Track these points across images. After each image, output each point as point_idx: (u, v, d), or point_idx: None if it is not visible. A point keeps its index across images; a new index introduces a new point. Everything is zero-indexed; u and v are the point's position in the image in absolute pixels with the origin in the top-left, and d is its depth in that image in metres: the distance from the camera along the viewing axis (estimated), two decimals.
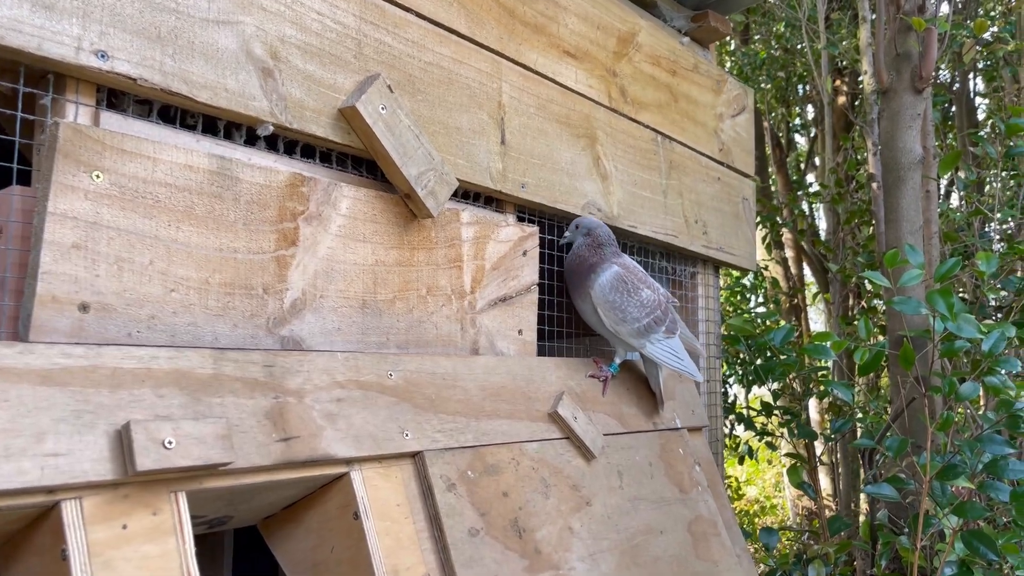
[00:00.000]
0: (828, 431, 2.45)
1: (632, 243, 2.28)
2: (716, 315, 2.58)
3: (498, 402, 1.64)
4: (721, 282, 7.17)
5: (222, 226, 1.25)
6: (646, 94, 2.25)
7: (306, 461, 1.26)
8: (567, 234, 1.88)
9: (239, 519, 1.41)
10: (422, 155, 1.52)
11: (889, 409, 2.91)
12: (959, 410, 2.51)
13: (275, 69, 1.34)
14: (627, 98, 2.18)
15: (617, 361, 1.95)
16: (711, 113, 2.54)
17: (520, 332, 1.80)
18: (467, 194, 1.77)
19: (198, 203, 1.22)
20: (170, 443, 1.06)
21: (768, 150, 7.32)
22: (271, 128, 1.34)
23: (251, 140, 1.36)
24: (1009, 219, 3.02)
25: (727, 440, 3.98)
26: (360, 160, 1.54)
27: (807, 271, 7.34)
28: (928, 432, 2.17)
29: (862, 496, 3.99)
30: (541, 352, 1.96)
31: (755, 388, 2.70)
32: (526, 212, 1.91)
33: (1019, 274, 2.56)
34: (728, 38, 7.11)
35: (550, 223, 2.01)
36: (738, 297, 6.98)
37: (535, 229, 1.85)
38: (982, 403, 2.78)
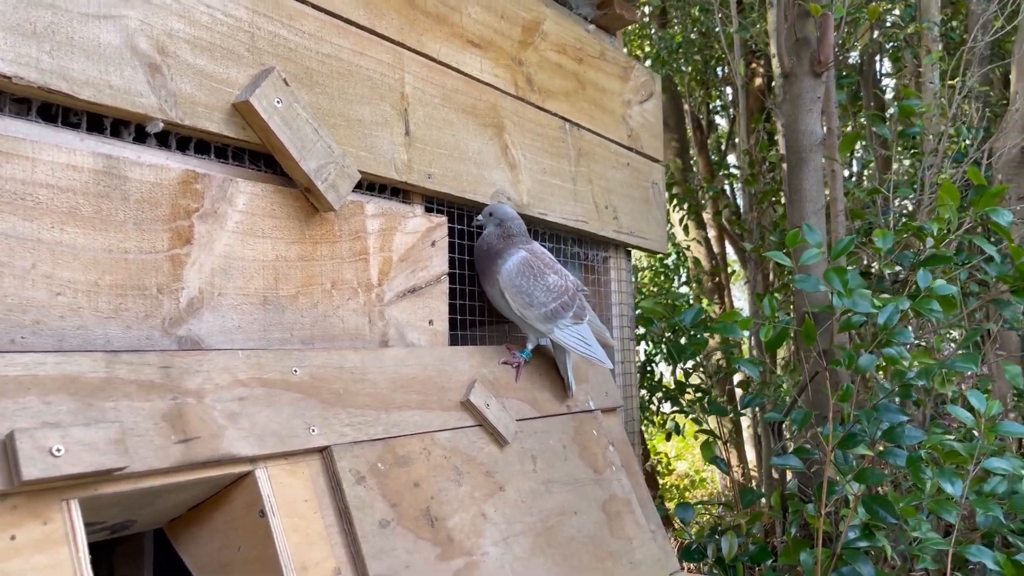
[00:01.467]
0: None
1: (543, 230, 2.31)
2: (629, 298, 2.63)
3: (409, 393, 1.65)
4: (646, 263, 7.32)
5: (111, 226, 1.22)
6: (553, 82, 2.27)
7: (207, 461, 1.24)
8: (479, 218, 1.89)
9: (142, 523, 1.39)
10: (321, 148, 1.51)
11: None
12: (869, 381, 2.62)
13: (163, 64, 1.31)
14: (534, 86, 2.20)
15: (529, 347, 1.98)
16: (619, 100, 2.58)
17: (431, 322, 1.81)
18: (372, 186, 1.76)
19: (83, 204, 1.19)
20: (58, 450, 1.04)
21: (689, 132, 7.45)
22: (161, 125, 1.31)
23: (141, 137, 1.33)
24: (908, 197, 3.15)
25: (655, 418, 4.08)
26: (258, 155, 1.52)
27: (730, 250, 7.53)
28: (830, 404, 2.26)
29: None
30: (455, 341, 1.98)
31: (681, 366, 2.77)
32: (434, 202, 1.91)
33: (915, 250, 2.68)
34: (648, 21, 7.20)
35: (460, 213, 2.02)
36: (661, 278, 7.12)
37: (443, 219, 1.86)
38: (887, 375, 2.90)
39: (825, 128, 2.90)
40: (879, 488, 2.49)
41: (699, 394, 2.58)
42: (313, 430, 1.42)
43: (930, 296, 2.33)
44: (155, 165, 1.29)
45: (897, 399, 2.29)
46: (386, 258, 1.70)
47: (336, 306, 1.58)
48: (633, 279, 2.92)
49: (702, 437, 2.52)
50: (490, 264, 1.89)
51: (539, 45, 2.23)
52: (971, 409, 2.21)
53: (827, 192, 3.06)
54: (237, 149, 1.49)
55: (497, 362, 1.92)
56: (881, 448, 2.33)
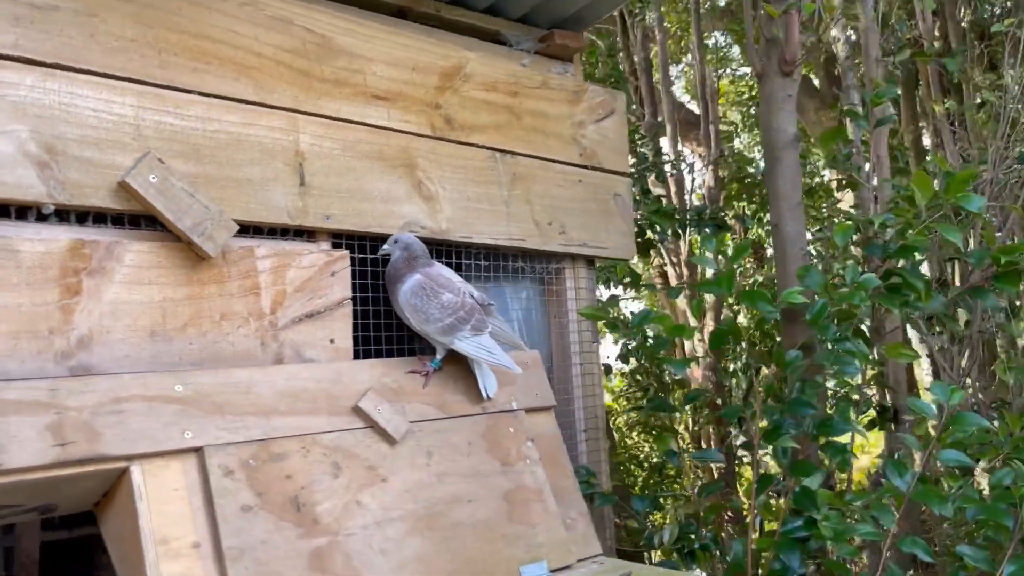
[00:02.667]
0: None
1: (477, 251, 2.57)
2: (592, 303, 2.83)
3: (296, 402, 1.99)
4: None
5: (5, 288, 1.67)
6: (479, 118, 2.54)
7: (82, 459, 1.65)
8: (385, 247, 2.19)
9: (64, 507, 1.84)
10: (197, 209, 1.89)
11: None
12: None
13: (51, 161, 1.75)
14: (454, 125, 2.47)
15: (438, 357, 2.26)
16: (567, 123, 2.78)
17: (332, 341, 2.14)
18: (275, 230, 2.12)
19: None
20: None
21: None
22: (52, 208, 1.75)
23: (43, 216, 1.78)
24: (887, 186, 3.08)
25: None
26: (153, 218, 1.93)
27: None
28: (758, 398, 2.36)
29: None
30: (379, 354, 2.30)
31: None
32: (343, 238, 2.24)
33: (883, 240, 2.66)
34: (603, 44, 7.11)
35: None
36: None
37: (344, 253, 2.19)
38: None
39: (795, 127, 2.93)
40: (829, 482, 2.52)
41: (640, 392, 2.72)
42: (188, 434, 1.80)
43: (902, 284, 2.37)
44: (45, 238, 1.73)
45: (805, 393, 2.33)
46: (280, 290, 2.06)
47: (226, 333, 1.96)
48: (604, 286, 3.09)
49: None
50: (393, 287, 2.20)
51: (461, 87, 2.50)
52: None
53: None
54: (133, 215, 1.90)
55: (404, 371, 2.22)
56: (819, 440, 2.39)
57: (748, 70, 8.42)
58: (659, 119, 6.60)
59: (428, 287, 2.17)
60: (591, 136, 2.85)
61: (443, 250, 2.48)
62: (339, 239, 2.24)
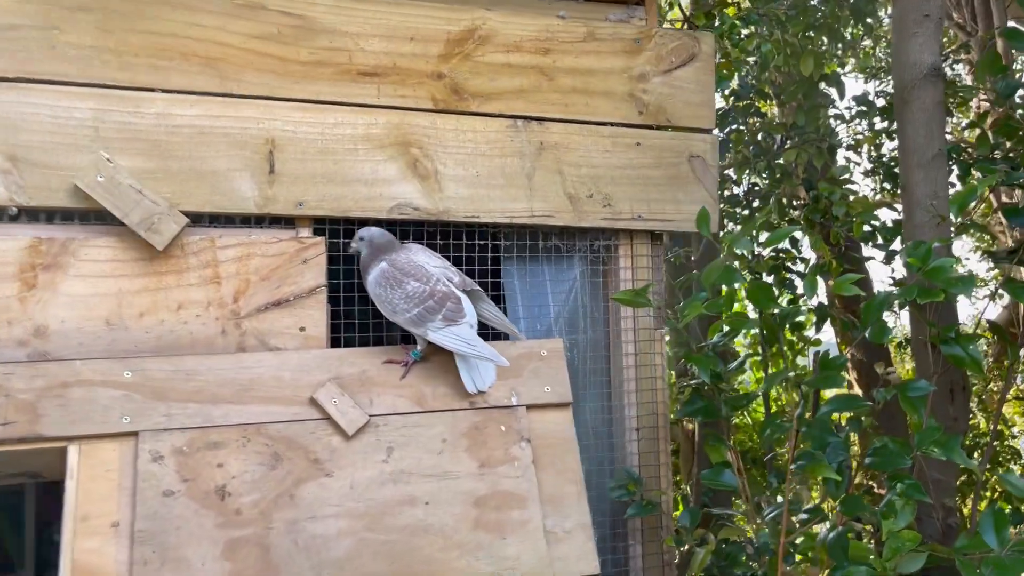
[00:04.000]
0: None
1: (496, 230, 2.36)
2: (658, 282, 2.46)
3: (247, 391, 2.02)
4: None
5: None
6: (496, 83, 2.31)
7: (23, 438, 1.85)
8: (352, 244, 2.12)
9: (48, 475, 2.07)
10: (147, 204, 1.98)
11: None
12: None
13: (13, 169, 1.94)
14: (463, 94, 2.28)
15: (419, 348, 2.14)
16: (622, 78, 2.42)
17: (303, 329, 2.13)
18: (250, 219, 2.15)
19: None
20: None
21: None
22: (15, 210, 1.95)
23: (14, 217, 1.98)
24: None
25: None
26: None
27: None
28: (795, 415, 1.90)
29: None
30: (370, 343, 2.25)
31: None
32: (326, 223, 2.20)
33: None
34: None
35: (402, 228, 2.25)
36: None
37: (317, 240, 2.15)
38: None
39: (934, 56, 2.22)
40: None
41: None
42: (126, 419, 1.92)
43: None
44: (6, 237, 1.93)
45: None
46: (244, 279, 2.08)
47: (184, 322, 2.04)
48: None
49: None
50: (364, 278, 2.12)
51: (474, 52, 2.30)
52: None
53: None
54: (98, 213, 2.04)
55: (381, 361, 2.14)
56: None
57: None
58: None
59: (391, 276, 2.05)
60: (657, 90, 2.46)
61: (449, 231, 2.32)
62: (323, 225, 2.21)
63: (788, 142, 5.78)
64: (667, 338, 2.53)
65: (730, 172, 6.22)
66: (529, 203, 2.31)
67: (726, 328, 2.15)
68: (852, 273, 2.04)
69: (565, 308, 2.46)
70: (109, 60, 2.02)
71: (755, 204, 6.40)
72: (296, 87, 2.15)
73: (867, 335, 1.84)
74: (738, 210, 6.69)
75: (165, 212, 1.99)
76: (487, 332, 2.20)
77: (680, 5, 5.77)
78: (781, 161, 5.66)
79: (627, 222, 2.40)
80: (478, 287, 2.13)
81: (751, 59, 5.78)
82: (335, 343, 2.24)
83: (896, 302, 1.89)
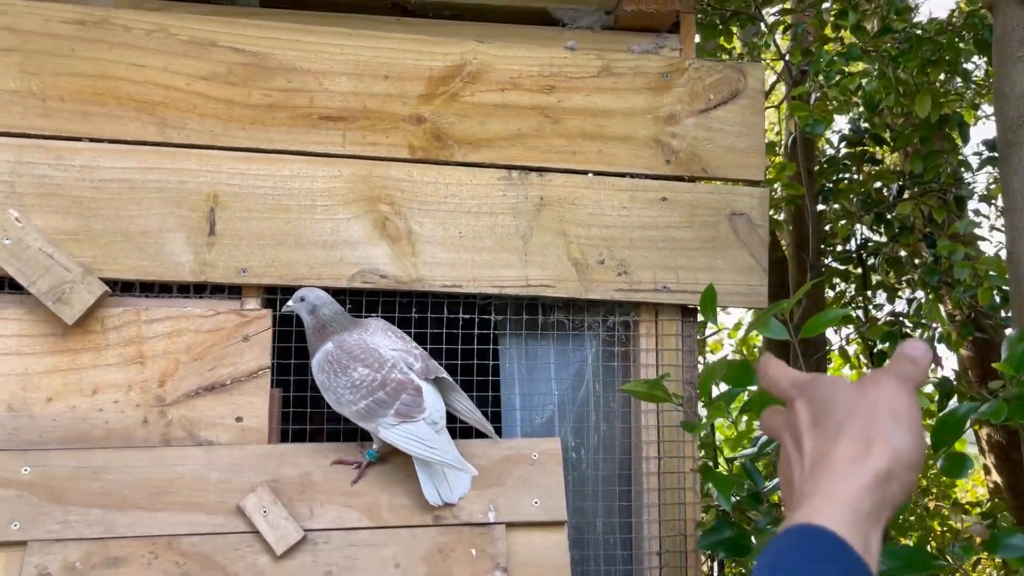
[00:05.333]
0: None
1: (486, 300, 1.97)
2: (687, 371, 1.99)
3: (164, 494, 1.69)
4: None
5: None
6: (489, 127, 1.94)
7: None
8: (290, 304, 1.76)
9: None
10: (58, 271, 1.70)
11: None
12: None
13: None
14: (447, 141, 1.92)
15: (375, 446, 1.76)
16: (645, 119, 2.00)
17: (239, 420, 1.79)
18: (189, 287, 1.84)
19: None
20: None
21: None
22: None
23: None
24: None
25: None
26: None
27: None
28: None
29: None
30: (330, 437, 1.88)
31: None
32: (278, 292, 1.87)
33: None
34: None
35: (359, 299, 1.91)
36: None
37: (263, 313, 1.82)
38: None
39: None
40: None
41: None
42: (15, 525, 1.62)
43: None
44: None
45: None
46: (173, 359, 1.77)
47: (99, 409, 1.74)
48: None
49: None
50: (311, 361, 1.76)
51: (461, 92, 1.93)
52: None
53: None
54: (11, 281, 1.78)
55: (329, 461, 1.77)
56: None
57: None
58: None
59: (336, 360, 1.69)
60: (690, 133, 2.02)
61: (426, 302, 1.94)
62: (275, 295, 1.87)
63: (905, 192, 5.18)
64: (701, 434, 2.07)
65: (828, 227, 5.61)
66: (524, 270, 1.91)
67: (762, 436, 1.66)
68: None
69: (572, 398, 2.02)
70: (32, 107, 1.78)
71: (869, 262, 5.78)
72: (243, 134, 1.85)
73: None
74: (850, 268, 6.06)
75: (78, 280, 1.70)
76: (464, 427, 1.80)
77: (776, 43, 5.28)
78: (893, 214, 5.04)
79: (649, 294, 1.95)
80: (446, 374, 1.74)
81: (857, 99, 5.20)
82: (291, 436, 1.89)
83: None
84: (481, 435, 1.83)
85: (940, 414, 1.39)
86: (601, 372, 2.03)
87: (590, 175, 1.97)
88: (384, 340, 1.73)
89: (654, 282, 1.95)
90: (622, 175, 1.99)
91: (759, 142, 2.04)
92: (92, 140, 1.80)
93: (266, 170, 1.85)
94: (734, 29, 4.84)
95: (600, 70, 2.00)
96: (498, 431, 1.98)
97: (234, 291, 1.86)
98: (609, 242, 1.95)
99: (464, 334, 1.94)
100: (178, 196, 1.81)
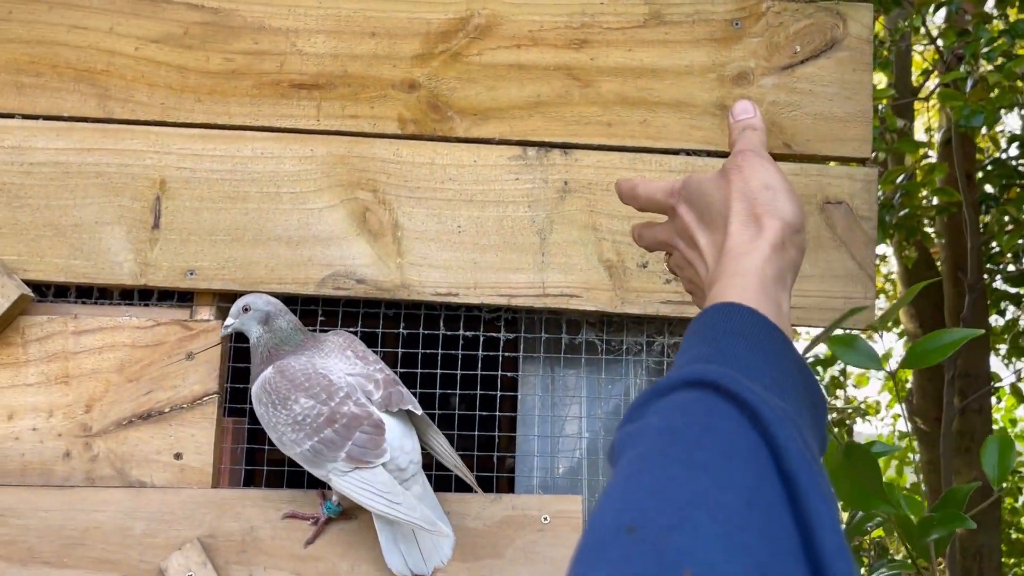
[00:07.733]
0: None
1: (494, 314, 1.54)
2: None
3: (79, 545, 1.37)
4: None
5: None
6: (500, 93, 1.53)
7: None
8: (230, 322, 1.39)
9: None
10: None
11: None
12: None
13: None
14: (446, 112, 1.52)
15: (334, 499, 1.38)
16: (706, 79, 1.53)
17: (179, 456, 1.45)
18: (134, 293, 1.52)
19: None
20: None
21: None
22: None
23: None
24: None
25: None
26: None
27: None
28: None
29: None
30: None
31: None
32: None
33: None
34: None
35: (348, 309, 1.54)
36: None
37: (211, 325, 1.47)
38: None
39: None
40: None
41: None
42: None
43: None
44: None
45: None
46: (103, 379, 1.45)
47: (15, 437, 1.44)
48: None
49: None
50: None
51: (466, 49, 1.53)
52: None
53: None
54: None
55: (280, 515, 1.40)
56: None
57: None
58: None
59: (275, 389, 1.31)
60: (768, 96, 1.53)
61: (418, 314, 1.54)
62: (231, 303, 1.52)
63: None
64: None
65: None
66: (540, 274, 1.48)
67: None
68: None
69: (607, 443, 1.56)
70: None
71: None
72: (198, 107, 1.52)
73: None
74: (1021, 290, 5.26)
75: None
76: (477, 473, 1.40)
77: (925, 25, 4.57)
78: None
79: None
80: (416, 407, 1.33)
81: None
82: (265, 478, 1.53)
83: None
84: (510, 484, 1.43)
85: None
86: None
87: (631, 153, 1.52)
88: (338, 362, 1.34)
89: None
90: (674, 152, 1.52)
91: (864, 107, 1.53)
92: (25, 117, 1.52)
93: (223, 150, 1.51)
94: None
95: (647, 17, 1.55)
96: (510, 483, 1.56)
97: (185, 297, 1.53)
98: None
99: (466, 356, 1.53)
100: (119, 182, 1.50)
